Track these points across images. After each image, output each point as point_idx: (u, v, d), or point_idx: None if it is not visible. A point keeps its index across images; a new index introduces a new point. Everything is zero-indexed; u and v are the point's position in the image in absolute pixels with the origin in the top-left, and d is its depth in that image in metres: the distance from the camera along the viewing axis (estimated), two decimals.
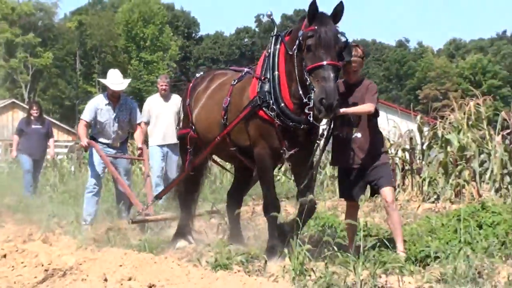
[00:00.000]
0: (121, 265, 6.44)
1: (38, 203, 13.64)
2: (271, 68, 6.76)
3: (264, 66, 6.87)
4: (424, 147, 14.22)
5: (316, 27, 6.17)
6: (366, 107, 6.79)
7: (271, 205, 6.90)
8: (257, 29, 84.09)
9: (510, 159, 12.29)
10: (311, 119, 6.24)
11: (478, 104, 13.55)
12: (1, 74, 55.85)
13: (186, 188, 8.48)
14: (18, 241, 8.48)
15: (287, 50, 6.62)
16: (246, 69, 7.48)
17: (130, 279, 5.91)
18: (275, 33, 6.95)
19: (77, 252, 7.80)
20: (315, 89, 6.07)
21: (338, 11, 6.36)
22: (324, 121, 6.84)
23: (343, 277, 6.10)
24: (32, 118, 14.52)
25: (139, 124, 10.41)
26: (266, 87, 6.68)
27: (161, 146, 11.95)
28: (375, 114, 6.98)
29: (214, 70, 8.86)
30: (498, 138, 12.62)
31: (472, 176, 12.58)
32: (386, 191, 6.86)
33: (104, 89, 11.25)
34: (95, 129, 9.83)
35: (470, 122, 13.22)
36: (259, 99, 6.67)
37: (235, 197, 8.39)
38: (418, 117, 15.81)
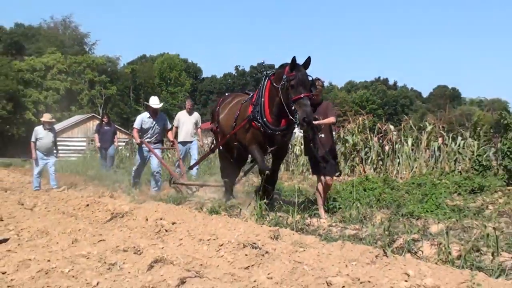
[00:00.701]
0: (156, 211, 8.49)
1: (108, 175, 18.25)
2: (260, 96, 9.70)
3: (258, 94, 9.85)
4: None
5: (295, 73, 8.92)
6: (331, 119, 9.60)
7: (264, 169, 9.72)
8: (235, 74, 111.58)
9: (382, 151, 18.00)
10: (298, 131, 9.64)
11: (364, 119, 19.89)
12: (86, 99, 77.57)
13: (226, 166, 11.73)
14: (95, 196, 11.28)
15: (273, 85, 9.40)
16: (251, 94, 10.55)
17: (161, 219, 7.81)
18: (265, 74, 10.10)
19: (130, 203, 10.13)
20: (298, 112, 8.71)
21: (307, 62, 9.17)
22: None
23: (285, 219, 8.47)
24: (104, 122, 21.62)
25: (170, 129, 14.89)
26: (257, 108, 9.63)
27: (184, 142, 16.88)
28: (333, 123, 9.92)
29: (235, 93, 12.64)
30: (375, 139, 18.60)
31: (360, 161, 18.79)
32: (329, 177, 9.53)
33: (147, 108, 14.57)
34: (143, 133, 13.84)
35: (359, 129, 19.46)
36: (251, 115, 9.71)
37: (231, 176, 11.56)
38: None
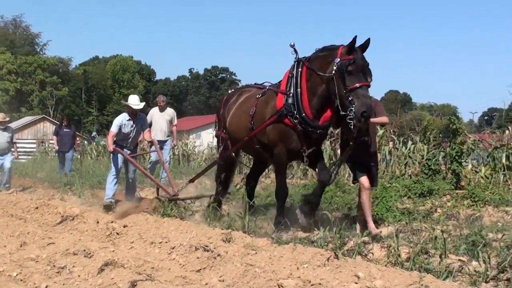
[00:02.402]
0: (108, 214, 8.69)
1: (58, 177, 17.65)
2: (294, 85, 7.86)
3: (288, 84, 7.99)
4: None
5: (354, 57, 7.20)
6: (384, 119, 8.16)
7: (281, 192, 8.31)
8: (189, 76, 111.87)
9: (334, 155, 16.90)
10: (352, 127, 7.13)
11: None
12: (37, 100, 76.56)
13: (223, 174, 9.85)
14: (45, 199, 10.79)
15: (314, 71, 7.66)
16: (268, 86, 8.66)
17: (112, 222, 7.76)
18: (297, 59, 8.01)
19: (81, 206, 10.01)
20: (355, 104, 7.02)
21: (366, 45, 7.40)
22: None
23: (238, 222, 8.42)
24: (63, 125, 20.48)
25: (148, 130, 12.26)
26: (290, 100, 7.80)
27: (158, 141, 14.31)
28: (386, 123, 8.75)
29: (241, 87, 10.06)
30: (328, 143, 17.42)
31: None
32: (368, 182, 7.88)
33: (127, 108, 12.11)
34: (119, 137, 11.43)
35: None
36: (285, 109, 7.82)
37: (253, 179, 10.01)
38: None
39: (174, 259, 5.85)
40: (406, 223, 8.29)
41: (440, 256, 5.90)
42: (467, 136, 14.24)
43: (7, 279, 5.05)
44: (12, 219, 8.84)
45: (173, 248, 6.12)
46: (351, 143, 7.82)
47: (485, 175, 12.80)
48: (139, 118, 11.79)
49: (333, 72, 7.33)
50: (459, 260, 5.94)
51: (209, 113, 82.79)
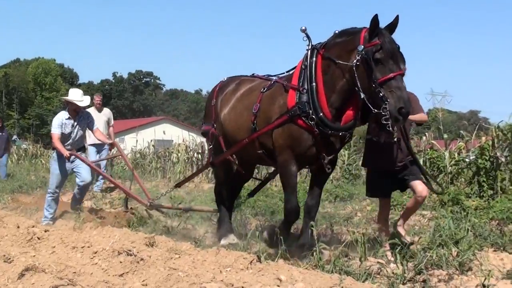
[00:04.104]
0: (28, 219, 8.53)
1: None
2: (308, 79, 6.36)
3: (301, 77, 6.46)
4: None
5: (381, 41, 5.83)
6: (423, 116, 6.78)
7: (293, 212, 6.72)
8: (113, 80, 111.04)
9: None
10: (390, 128, 5.82)
11: None
12: None
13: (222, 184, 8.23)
14: None
15: (332, 61, 6.25)
16: (274, 78, 7.08)
17: (33, 227, 7.47)
18: (310, 46, 6.52)
19: (1, 211, 9.85)
20: (389, 99, 5.70)
21: (394, 24, 6.04)
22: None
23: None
24: None
25: (97, 128, 10.59)
26: (305, 98, 6.31)
27: (96, 145, 13.81)
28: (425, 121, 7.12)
29: (239, 76, 8.04)
30: None
31: None
32: (420, 185, 6.57)
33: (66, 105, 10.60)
34: (62, 139, 9.85)
35: None
36: (298, 109, 6.30)
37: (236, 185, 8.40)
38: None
39: (96, 263, 5.74)
40: (327, 226, 8.37)
41: (360, 259, 5.97)
42: None
43: None
44: None
45: (95, 252, 5.99)
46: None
47: None
48: (81, 116, 10.18)
49: (357, 62, 5.95)
50: (378, 262, 6.03)
51: (133, 117, 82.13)
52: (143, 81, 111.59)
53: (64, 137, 9.90)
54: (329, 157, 6.57)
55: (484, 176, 10.57)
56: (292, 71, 6.85)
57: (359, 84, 5.97)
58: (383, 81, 5.76)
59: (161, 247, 6.22)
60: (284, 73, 7.10)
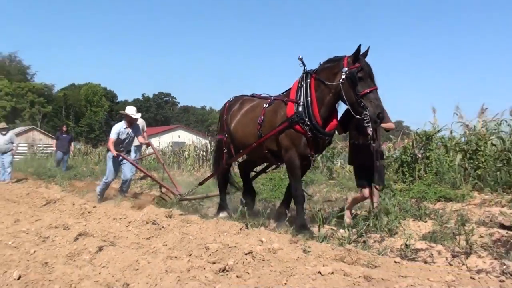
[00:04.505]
0: (81, 199, 8.55)
1: (45, 171, 16.89)
2: (304, 95, 6.23)
3: (298, 93, 6.31)
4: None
5: (361, 64, 5.78)
6: (392, 125, 6.63)
7: (299, 196, 6.30)
8: (142, 99, 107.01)
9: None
10: (371, 129, 5.71)
11: None
12: (28, 115, 73.20)
13: (223, 177, 7.97)
14: (34, 187, 10.60)
15: (323, 82, 6.11)
16: (273, 97, 6.88)
17: (85, 204, 7.53)
18: (305, 71, 6.38)
19: (61, 192, 9.85)
20: (369, 108, 5.61)
21: (367, 52, 5.91)
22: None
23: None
24: (64, 131, 19.03)
25: (142, 135, 10.50)
26: (301, 108, 6.17)
27: (136, 146, 12.63)
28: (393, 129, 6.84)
29: (241, 96, 7.75)
30: None
31: None
32: (367, 193, 6.44)
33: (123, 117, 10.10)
34: (117, 142, 9.69)
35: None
36: (296, 117, 6.15)
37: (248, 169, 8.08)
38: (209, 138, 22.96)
39: (130, 230, 5.74)
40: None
41: (319, 227, 6.02)
42: (337, 142, 14.84)
43: (4, 246, 4.87)
44: (8, 202, 8.50)
45: (129, 222, 6.01)
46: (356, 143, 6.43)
47: (350, 170, 13.04)
48: (134, 127, 10.04)
49: (342, 80, 5.86)
50: (331, 229, 6.12)
51: (156, 126, 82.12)
52: (164, 100, 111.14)
53: (119, 142, 9.74)
54: (316, 155, 6.59)
55: (406, 167, 10.65)
56: (286, 91, 6.71)
57: (344, 97, 5.87)
58: (363, 94, 5.67)
59: (176, 218, 6.22)
60: (280, 94, 6.88)
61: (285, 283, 3.54)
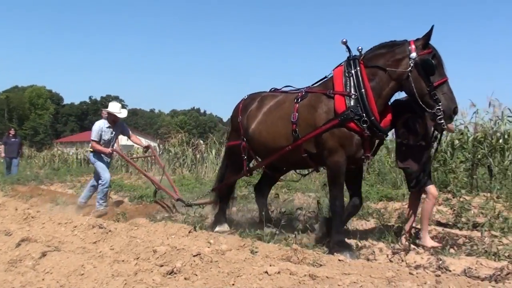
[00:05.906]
0: (25, 203, 8.29)
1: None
2: (356, 86, 5.11)
3: (346, 85, 5.18)
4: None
5: (432, 50, 4.90)
6: (452, 126, 5.82)
7: (338, 207, 5.17)
8: (89, 102, 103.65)
9: (195, 158, 18.04)
10: (445, 126, 4.81)
11: (182, 136, 20.40)
12: None
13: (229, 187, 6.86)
14: None
15: (381, 69, 5.10)
16: (305, 90, 5.63)
17: (28, 209, 7.28)
18: (352, 57, 5.30)
19: (3, 197, 9.46)
20: (442, 101, 4.76)
21: (430, 35, 4.94)
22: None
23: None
24: (11, 135, 17.73)
25: (132, 134, 9.24)
26: (353, 102, 5.07)
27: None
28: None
29: (258, 93, 6.44)
30: (190, 150, 18.34)
31: (179, 165, 18.71)
32: (433, 187, 5.40)
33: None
34: (102, 144, 8.74)
35: (179, 143, 19.74)
36: (351, 113, 5.02)
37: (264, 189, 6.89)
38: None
39: (76, 234, 5.59)
40: (244, 204, 8.41)
41: (266, 226, 6.06)
42: None
43: None
44: None
45: (75, 226, 5.85)
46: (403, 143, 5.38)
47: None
48: (119, 125, 8.96)
49: (411, 68, 4.91)
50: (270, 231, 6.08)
51: None
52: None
53: (104, 143, 8.71)
54: (371, 156, 5.46)
55: None
56: (321, 82, 5.61)
57: (413, 88, 4.91)
58: (438, 84, 4.82)
59: (124, 221, 6.12)
60: (309, 86, 5.71)
61: (233, 284, 3.55)
